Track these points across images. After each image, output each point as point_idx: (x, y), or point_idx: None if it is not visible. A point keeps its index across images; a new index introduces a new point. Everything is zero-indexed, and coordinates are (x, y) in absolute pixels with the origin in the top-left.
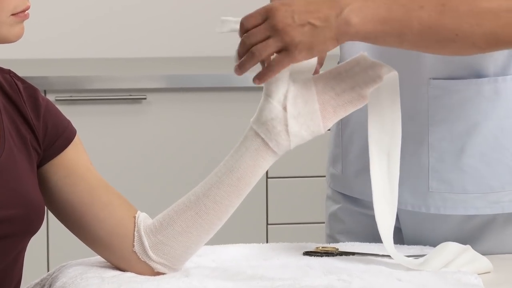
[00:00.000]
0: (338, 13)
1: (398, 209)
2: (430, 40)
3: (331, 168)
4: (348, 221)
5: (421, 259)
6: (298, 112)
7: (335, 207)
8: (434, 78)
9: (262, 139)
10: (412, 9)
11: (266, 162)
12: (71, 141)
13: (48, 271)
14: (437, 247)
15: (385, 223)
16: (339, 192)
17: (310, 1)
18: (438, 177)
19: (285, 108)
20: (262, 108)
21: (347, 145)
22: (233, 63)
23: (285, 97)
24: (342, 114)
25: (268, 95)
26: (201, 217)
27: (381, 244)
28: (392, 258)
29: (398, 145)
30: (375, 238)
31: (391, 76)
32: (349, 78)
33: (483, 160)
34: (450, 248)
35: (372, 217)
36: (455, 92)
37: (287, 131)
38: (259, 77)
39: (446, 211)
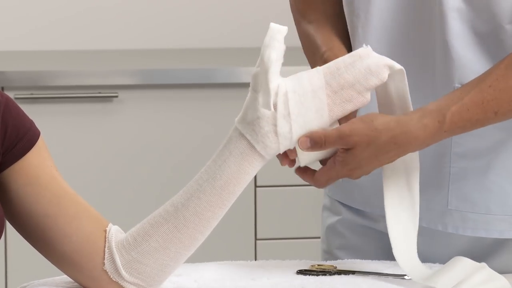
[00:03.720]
0: (412, 150)
1: None
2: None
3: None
4: (349, 235)
5: (429, 272)
6: (289, 111)
7: (334, 219)
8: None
9: (248, 141)
10: (487, 120)
11: (252, 168)
12: (34, 144)
13: None
14: (448, 262)
15: (404, 236)
16: (339, 202)
17: (378, 154)
18: (459, 194)
19: (274, 106)
20: (248, 106)
21: None
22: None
23: (276, 94)
24: (339, 114)
25: (256, 91)
26: (180, 231)
27: (384, 261)
28: (397, 277)
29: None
30: (381, 254)
31: (397, 73)
32: (349, 74)
33: (510, 178)
34: (463, 264)
35: (379, 232)
36: None
37: (275, 132)
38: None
39: (466, 232)
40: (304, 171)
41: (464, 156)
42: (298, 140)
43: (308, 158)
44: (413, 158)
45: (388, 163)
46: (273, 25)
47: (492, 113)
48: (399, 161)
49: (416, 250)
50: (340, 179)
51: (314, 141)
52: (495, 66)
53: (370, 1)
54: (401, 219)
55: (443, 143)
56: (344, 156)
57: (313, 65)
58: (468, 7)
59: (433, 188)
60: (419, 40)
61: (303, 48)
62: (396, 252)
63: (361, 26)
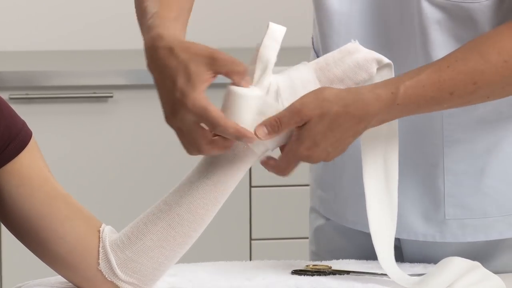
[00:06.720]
0: (367, 125)
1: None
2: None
3: (319, 190)
4: (337, 238)
5: (418, 278)
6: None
7: (321, 221)
8: None
9: None
10: (442, 99)
11: (244, 164)
12: (26, 145)
13: None
14: (440, 262)
15: (383, 238)
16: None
17: (332, 127)
18: (456, 202)
19: None
20: None
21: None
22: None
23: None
24: None
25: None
26: (174, 229)
27: (378, 262)
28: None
29: (395, 147)
30: (369, 257)
31: (385, 67)
32: (338, 68)
33: (505, 180)
34: (455, 264)
35: (365, 234)
36: (473, 109)
37: None
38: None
39: (466, 239)
40: (267, 161)
41: (457, 164)
42: (255, 130)
43: (263, 147)
44: (393, 161)
45: (345, 140)
46: (272, 24)
47: (448, 93)
48: (380, 163)
49: (393, 255)
50: (304, 163)
51: (270, 126)
52: (456, 49)
53: (349, 15)
54: (382, 225)
55: (434, 153)
56: (298, 133)
57: (141, 29)
58: (449, 17)
59: (428, 201)
60: (400, 54)
61: (136, 12)
62: (381, 259)
63: (337, 35)
